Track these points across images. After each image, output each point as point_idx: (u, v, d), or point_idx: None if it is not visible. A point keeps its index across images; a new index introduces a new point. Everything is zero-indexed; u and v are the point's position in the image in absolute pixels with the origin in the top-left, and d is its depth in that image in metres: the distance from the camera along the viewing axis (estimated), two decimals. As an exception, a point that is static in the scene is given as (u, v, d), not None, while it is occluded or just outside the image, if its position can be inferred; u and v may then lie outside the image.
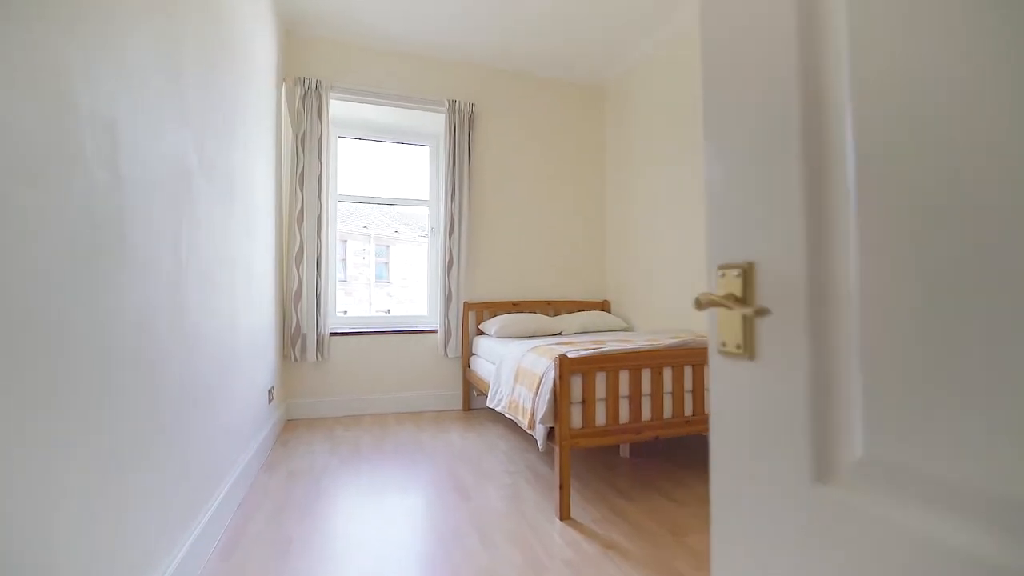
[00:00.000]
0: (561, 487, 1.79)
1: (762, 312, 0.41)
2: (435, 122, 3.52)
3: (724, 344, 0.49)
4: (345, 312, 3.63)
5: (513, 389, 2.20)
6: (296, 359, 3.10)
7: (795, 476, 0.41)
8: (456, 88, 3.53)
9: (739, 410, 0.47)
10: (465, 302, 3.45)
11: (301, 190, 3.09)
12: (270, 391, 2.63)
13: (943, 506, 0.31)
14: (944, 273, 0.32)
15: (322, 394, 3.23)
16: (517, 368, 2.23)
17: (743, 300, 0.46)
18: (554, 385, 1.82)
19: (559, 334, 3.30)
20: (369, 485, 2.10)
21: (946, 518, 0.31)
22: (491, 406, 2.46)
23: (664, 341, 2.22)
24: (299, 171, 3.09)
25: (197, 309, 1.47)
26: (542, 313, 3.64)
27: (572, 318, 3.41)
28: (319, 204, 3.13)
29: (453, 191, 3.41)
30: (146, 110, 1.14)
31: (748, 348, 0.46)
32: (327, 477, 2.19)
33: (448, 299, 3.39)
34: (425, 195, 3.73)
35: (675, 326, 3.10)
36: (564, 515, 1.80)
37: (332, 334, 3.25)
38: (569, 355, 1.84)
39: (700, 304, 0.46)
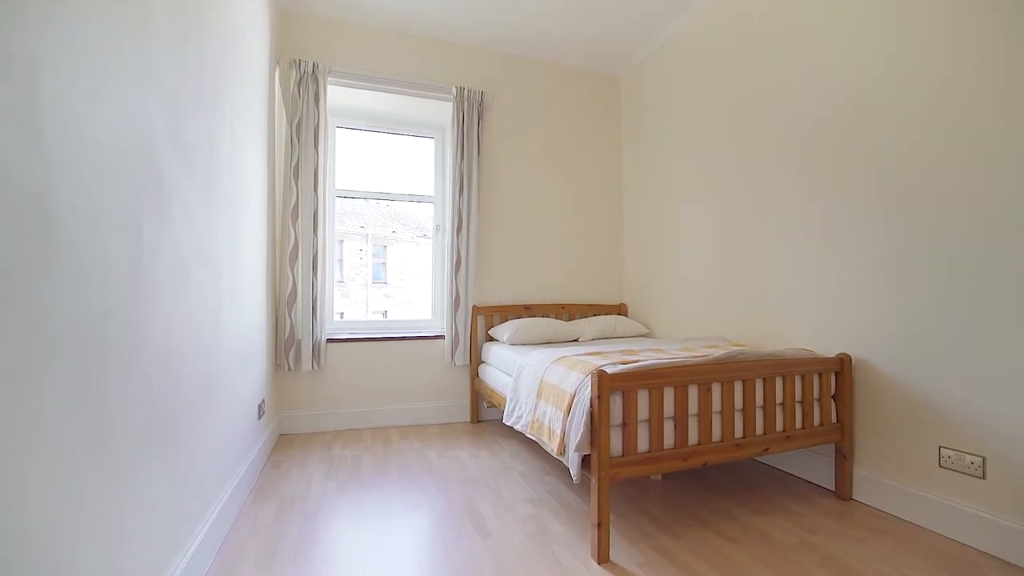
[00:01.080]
0: (599, 526, 1.53)
1: None
2: (441, 111, 3.26)
3: None
4: (342, 314, 3.36)
5: (536, 407, 1.94)
6: (290, 368, 2.83)
7: None
8: (465, 75, 3.27)
9: None
10: (474, 306, 3.18)
11: (296, 183, 2.82)
12: (260, 405, 2.36)
13: None
14: None
15: (319, 406, 2.95)
16: (540, 383, 1.97)
17: None
18: (591, 406, 1.56)
19: (576, 340, 3.04)
20: (372, 518, 1.84)
21: None
22: (508, 423, 2.19)
23: (709, 352, 1.97)
24: (294, 162, 2.82)
25: (164, 320, 1.20)
26: (556, 317, 3.38)
27: (588, 323, 3.15)
28: (315, 199, 2.86)
29: (461, 186, 3.14)
30: (87, 60, 0.88)
31: None
32: (324, 506, 1.92)
33: (456, 303, 3.13)
34: (430, 191, 3.46)
35: (703, 332, 2.85)
36: (603, 558, 1.54)
37: (329, 340, 2.98)
38: (607, 370, 1.59)
39: None
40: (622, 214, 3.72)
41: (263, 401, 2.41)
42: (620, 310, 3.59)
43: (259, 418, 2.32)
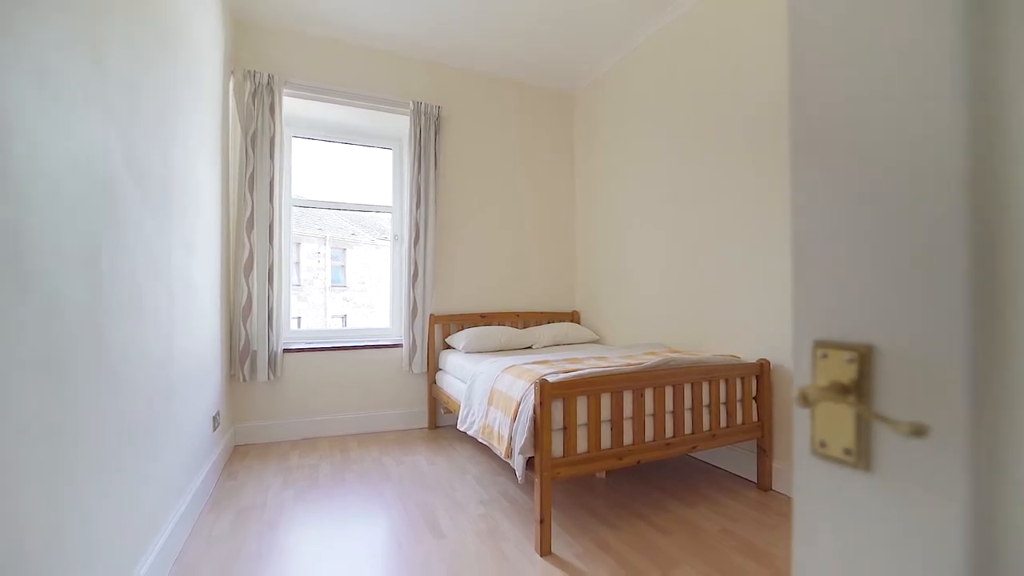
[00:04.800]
0: (542, 522, 1.67)
1: (920, 431, 0.30)
2: (399, 123, 3.34)
3: (824, 444, 0.38)
4: (299, 319, 3.37)
5: (487, 413, 2.07)
6: (245, 379, 2.83)
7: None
8: (422, 89, 3.36)
9: (846, 533, 0.36)
10: (431, 315, 3.27)
11: (251, 194, 2.83)
12: (215, 417, 2.37)
13: None
14: None
15: (275, 416, 2.97)
16: (491, 390, 2.09)
17: (858, 392, 0.35)
18: (534, 412, 1.70)
19: (529, 347, 3.19)
20: (330, 524, 1.91)
21: None
22: (462, 429, 2.31)
23: (644, 360, 2.15)
24: (249, 173, 2.82)
25: (120, 340, 1.25)
26: (511, 325, 3.52)
27: (542, 330, 3.31)
28: (271, 209, 2.87)
29: (419, 198, 3.23)
30: (52, 101, 0.93)
31: (863, 457, 0.35)
32: (282, 516, 1.97)
33: (413, 312, 3.21)
34: (388, 200, 3.52)
35: (646, 339, 3.06)
36: (545, 550, 1.68)
37: (286, 350, 3.00)
38: (549, 378, 1.73)
39: (807, 400, 0.35)
40: (575, 225, 3.90)
41: (217, 413, 2.42)
42: (573, 317, 3.77)
43: (213, 430, 2.33)
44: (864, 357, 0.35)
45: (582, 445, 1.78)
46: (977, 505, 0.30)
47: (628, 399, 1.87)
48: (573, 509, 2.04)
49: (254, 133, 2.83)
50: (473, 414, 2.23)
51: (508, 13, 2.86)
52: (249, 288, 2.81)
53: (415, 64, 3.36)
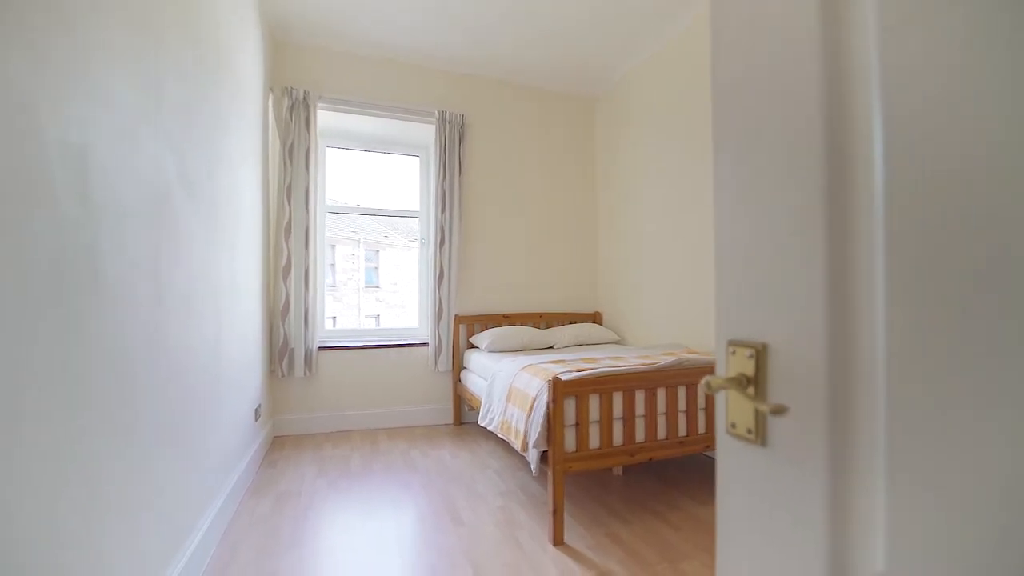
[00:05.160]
0: (555, 512, 1.76)
1: (779, 411, 0.38)
2: (425, 132, 3.49)
3: (734, 425, 0.46)
4: (334, 319, 3.57)
5: (505, 409, 2.17)
6: (284, 375, 3.04)
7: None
8: (446, 98, 3.49)
9: (749, 496, 0.45)
10: (456, 315, 3.41)
11: (288, 202, 3.03)
12: (257, 409, 2.57)
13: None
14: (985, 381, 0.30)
15: (310, 410, 3.16)
16: (509, 388, 2.19)
17: (755, 382, 0.43)
18: (547, 408, 1.79)
19: (551, 347, 3.27)
20: (359, 509, 2.05)
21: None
22: (482, 424, 2.42)
23: (660, 360, 2.20)
24: (286, 183, 3.03)
25: (177, 337, 1.42)
26: (534, 326, 3.61)
27: (563, 331, 3.38)
28: (307, 216, 3.07)
29: (443, 203, 3.37)
30: (121, 134, 1.09)
31: (759, 435, 0.43)
32: (316, 501, 2.13)
33: (439, 313, 3.35)
34: (416, 205, 3.68)
35: (667, 340, 3.09)
36: (558, 540, 1.77)
37: (320, 348, 3.19)
38: (562, 377, 1.82)
39: (711, 388, 0.43)
40: (597, 227, 3.96)
41: (259, 405, 2.62)
42: (595, 319, 3.83)
43: (256, 420, 2.53)
44: (760, 353, 0.43)
45: (594, 441, 1.86)
46: (832, 470, 0.37)
47: (640, 398, 1.93)
48: (588, 504, 2.11)
49: (291, 145, 3.04)
50: (493, 410, 2.34)
51: (530, 21, 2.95)
52: (287, 290, 3.01)
53: (440, 74, 3.50)
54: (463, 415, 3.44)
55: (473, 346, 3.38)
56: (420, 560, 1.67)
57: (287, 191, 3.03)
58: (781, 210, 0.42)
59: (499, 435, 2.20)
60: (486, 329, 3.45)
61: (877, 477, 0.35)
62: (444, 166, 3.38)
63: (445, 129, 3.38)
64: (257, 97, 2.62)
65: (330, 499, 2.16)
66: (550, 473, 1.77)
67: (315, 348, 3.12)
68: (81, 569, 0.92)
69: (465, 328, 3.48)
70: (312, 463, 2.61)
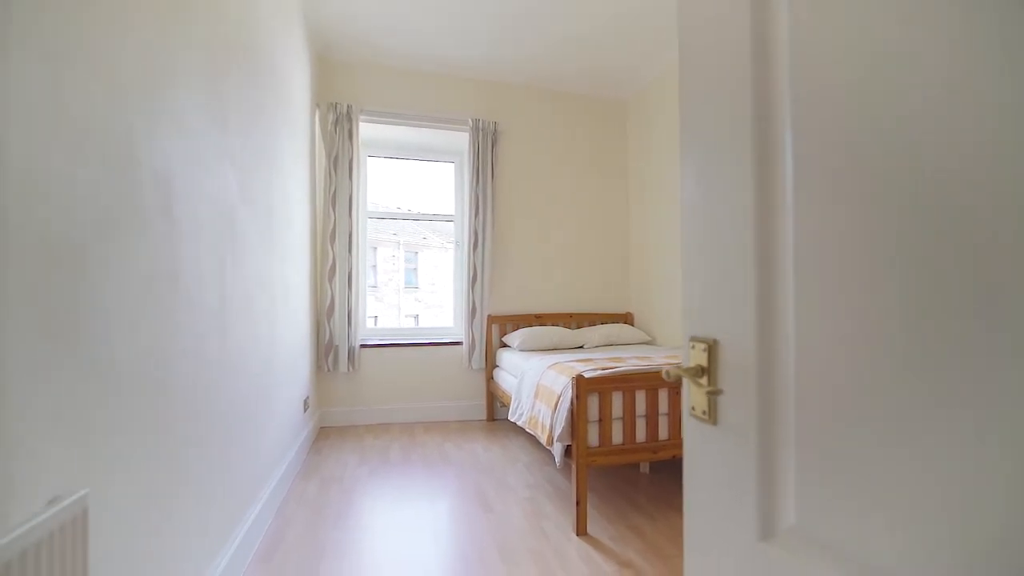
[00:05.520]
0: (578, 503, 1.85)
1: (715, 393, 0.47)
2: (459, 140, 3.64)
3: (694, 408, 0.55)
4: (376, 318, 3.78)
5: (533, 405, 2.27)
6: (329, 369, 3.26)
7: (746, 532, 0.47)
8: (479, 106, 3.63)
9: (706, 469, 0.53)
10: (489, 315, 3.54)
11: (333, 209, 3.25)
12: (306, 400, 2.79)
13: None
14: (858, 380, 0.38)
15: (353, 403, 3.38)
16: (537, 385, 2.30)
17: (708, 372, 0.52)
18: (571, 404, 1.88)
19: (581, 347, 3.35)
20: (397, 495, 2.21)
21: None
22: (512, 419, 2.53)
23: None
24: (331, 191, 3.25)
25: (240, 334, 1.61)
26: (564, 326, 3.70)
27: (594, 331, 3.45)
28: (350, 222, 3.29)
29: (477, 208, 3.51)
30: (197, 160, 1.28)
31: (711, 415, 0.52)
32: (358, 486, 2.31)
33: (472, 312, 3.49)
34: (452, 209, 3.84)
35: (698, 340, 3.09)
36: (581, 531, 1.86)
37: (363, 346, 3.40)
38: (586, 375, 1.90)
39: (669, 375, 0.52)
40: (629, 228, 3.99)
41: (308, 397, 2.84)
42: (626, 319, 3.87)
43: (305, 411, 2.75)
44: (711, 348, 0.52)
45: (617, 437, 1.93)
46: (760, 443, 0.46)
47: (664, 396, 1.99)
48: (614, 499, 2.19)
49: (336, 156, 3.26)
50: (522, 406, 2.45)
51: (560, 29, 3.04)
52: (332, 291, 3.24)
53: (473, 84, 3.65)
54: (495, 411, 3.57)
55: (505, 345, 3.50)
56: (451, 543, 1.80)
57: (332, 199, 3.25)
58: (725, 217, 0.51)
59: (527, 430, 2.31)
60: (518, 329, 3.56)
61: (789, 448, 0.43)
62: (477, 171, 3.52)
63: (478, 136, 3.52)
64: (305, 113, 2.84)
65: (371, 485, 2.33)
66: (573, 466, 1.86)
67: (357, 345, 3.33)
68: (167, 529, 1.10)
69: (498, 328, 3.61)
70: (354, 452, 2.80)
